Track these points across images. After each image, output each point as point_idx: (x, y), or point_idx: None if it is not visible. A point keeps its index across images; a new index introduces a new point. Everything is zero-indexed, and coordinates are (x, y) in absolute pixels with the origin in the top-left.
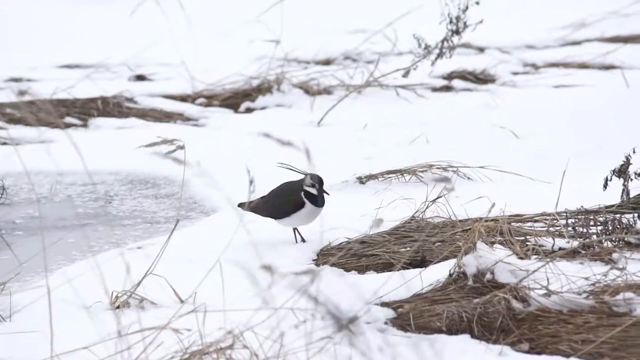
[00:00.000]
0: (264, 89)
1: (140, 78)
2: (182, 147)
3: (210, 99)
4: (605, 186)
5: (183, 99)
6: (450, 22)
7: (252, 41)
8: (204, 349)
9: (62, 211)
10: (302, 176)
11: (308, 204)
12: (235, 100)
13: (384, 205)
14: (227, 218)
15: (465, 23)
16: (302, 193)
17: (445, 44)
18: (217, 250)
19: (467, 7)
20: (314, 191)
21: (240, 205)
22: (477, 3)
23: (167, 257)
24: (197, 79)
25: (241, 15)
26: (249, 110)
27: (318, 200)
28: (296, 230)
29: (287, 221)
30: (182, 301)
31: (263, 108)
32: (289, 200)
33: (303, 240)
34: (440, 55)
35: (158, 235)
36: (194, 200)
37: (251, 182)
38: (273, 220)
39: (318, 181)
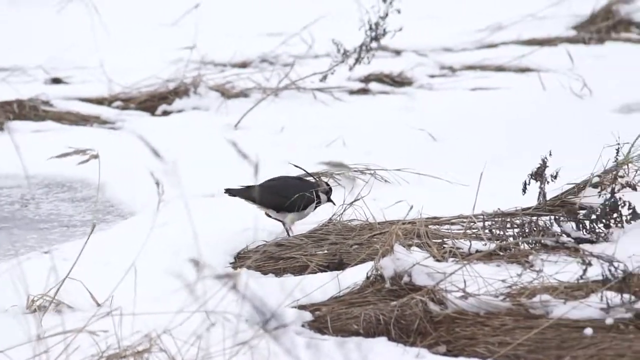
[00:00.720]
0: (180, 91)
1: (57, 81)
2: (96, 157)
3: (127, 102)
4: (524, 190)
5: (99, 102)
6: (370, 28)
7: (168, 43)
8: (121, 352)
9: None
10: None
11: (312, 205)
12: (152, 103)
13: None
14: (144, 221)
15: (384, 30)
16: (314, 193)
17: (364, 49)
18: (134, 254)
19: (386, 15)
20: (323, 198)
21: (228, 191)
22: (399, 12)
23: (83, 260)
24: (114, 81)
25: (158, 18)
26: (165, 113)
27: (318, 206)
28: (285, 224)
29: (291, 216)
30: (98, 304)
31: (180, 111)
32: (310, 200)
33: (288, 234)
34: (358, 60)
35: (75, 239)
36: (111, 203)
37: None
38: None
39: (331, 190)
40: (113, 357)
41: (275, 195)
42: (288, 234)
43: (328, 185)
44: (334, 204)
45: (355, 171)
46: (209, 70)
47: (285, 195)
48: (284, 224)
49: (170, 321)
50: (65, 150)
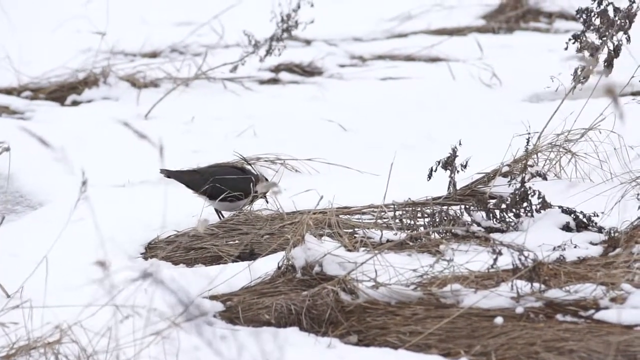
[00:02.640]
0: (90, 82)
1: None
2: (7, 149)
3: (36, 92)
4: (429, 176)
5: (8, 92)
6: (282, 20)
7: (78, 32)
8: (31, 344)
9: None
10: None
11: (249, 197)
12: (61, 93)
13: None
14: (54, 212)
15: (296, 21)
16: (251, 185)
17: (275, 40)
18: (44, 245)
19: (299, 7)
20: (258, 192)
21: (164, 171)
22: (312, 5)
23: None
24: (22, 72)
25: (66, 7)
26: (75, 103)
27: (252, 200)
28: (219, 212)
29: (221, 204)
30: (8, 296)
31: (89, 101)
32: (243, 190)
33: (220, 220)
34: (269, 52)
35: None
36: (20, 194)
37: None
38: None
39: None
40: (23, 348)
41: (210, 183)
42: (219, 218)
43: (267, 181)
44: (267, 202)
45: (265, 161)
46: (119, 60)
47: (220, 184)
48: (216, 210)
49: (81, 313)
50: None
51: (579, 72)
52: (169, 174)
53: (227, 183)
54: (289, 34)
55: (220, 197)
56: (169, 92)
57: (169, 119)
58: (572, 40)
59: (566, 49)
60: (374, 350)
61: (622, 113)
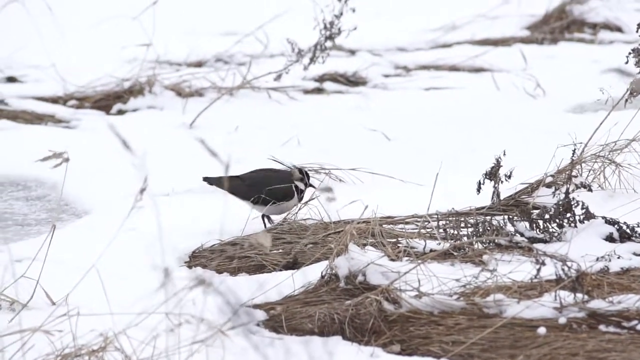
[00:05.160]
0: (135, 91)
1: (11, 80)
2: (67, 160)
3: (82, 101)
4: (478, 190)
5: (54, 100)
6: (325, 27)
7: (124, 44)
8: (76, 351)
9: None
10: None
11: (295, 197)
12: (106, 102)
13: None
14: (99, 220)
15: (339, 29)
16: (293, 185)
17: (318, 48)
18: (90, 253)
19: (341, 13)
20: (301, 185)
21: (207, 179)
22: (354, 10)
23: (39, 259)
24: (68, 80)
25: (112, 16)
26: (120, 112)
27: (302, 195)
28: (266, 218)
29: (268, 208)
30: (53, 303)
31: (135, 110)
32: (280, 190)
33: (266, 228)
34: (313, 60)
35: (29, 238)
36: (66, 202)
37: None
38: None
39: (306, 175)
40: (68, 356)
41: (250, 188)
42: (265, 227)
43: (301, 171)
44: (315, 187)
45: (310, 170)
46: (164, 69)
47: (258, 189)
48: (262, 216)
49: (129, 322)
50: (38, 151)
51: (631, 86)
52: (210, 181)
53: (260, 185)
54: (333, 42)
55: (255, 200)
56: (213, 101)
57: (213, 128)
58: (632, 54)
59: (626, 62)
60: None
61: None
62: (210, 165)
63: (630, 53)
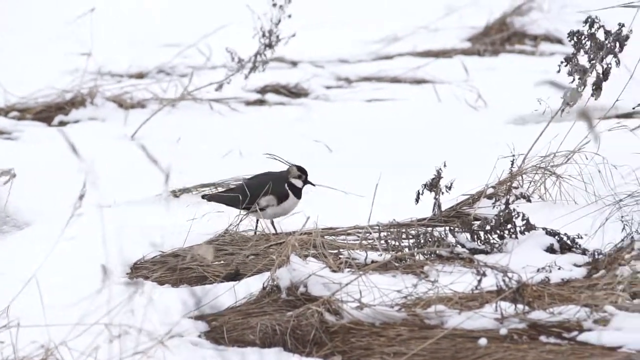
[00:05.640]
0: (77, 102)
1: None
2: (14, 176)
3: (23, 112)
4: (417, 200)
5: None
6: (263, 35)
7: (65, 53)
8: None
9: None
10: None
11: (291, 197)
12: (48, 113)
13: (197, 218)
14: (40, 231)
15: (278, 36)
16: (286, 185)
17: (259, 57)
18: (30, 263)
19: (279, 21)
20: (299, 183)
21: (205, 197)
22: (289, 16)
23: None
24: (9, 91)
25: (53, 27)
26: (62, 123)
27: (299, 193)
28: (273, 222)
29: (265, 213)
30: None
31: (76, 121)
32: (274, 192)
33: (276, 232)
34: (253, 68)
35: None
36: (7, 214)
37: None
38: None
39: (304, 172)
40: None
41: (244, 198)
42: (275, 231)
43: (299, 169)
44: (313, 184)
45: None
46: (106, 80)
47: (254, 195)
48: (271, 222)
49: (70, 333)
50: None
51: (567, 95)
52: (209, 198)
53: (257, 191)
54: (272, 50)
55: (245, 206)
56: (155, 112)
57: (155, 140)
58: (564, 63)
59: (558, 71)
60: None
61: (597, 137)
62: (152, 176)
63: (562, 62)
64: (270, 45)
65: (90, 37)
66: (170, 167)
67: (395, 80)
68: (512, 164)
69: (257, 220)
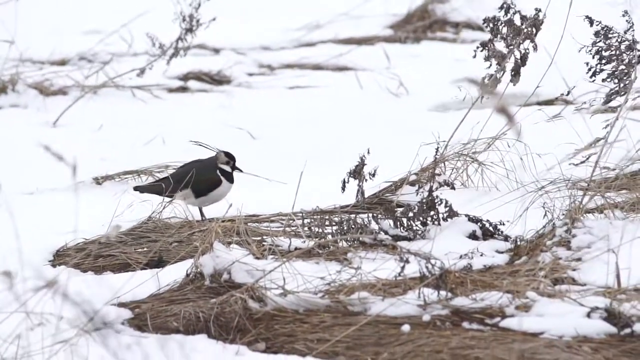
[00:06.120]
0: None
1: None
2: None
3: None
4: (343, 188)
5: None
6: (184, 20)
7: None
8: None
9: None
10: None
11: (225, 182)
12: None
13: (120, 207)
14: None
15: (198, 21)
16: (218, 171)
17: (180, 43)
18: None
19: (199, 5)
20: (228, 168)
21: (137, 188)
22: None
23: None
24: None
25: None
26: None
27: (231, 177)
28: (201, 210)
29: (201, 200)
30: None
31: None
32: (206, 179)
33: (203, 219)
34: (175, 54)
35: None
36: None
37: None
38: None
39: (232, 158)
40: None
41: (176, 186)
42: (202, 218)
43: (227, 154)
44: (241, 170)
45: (174, 169)
46: (27, 67)
47: (186, 184)
48: (199, 209)
49: None
50: None
51: (486, 81)
52: (142, 189)
53: (192, 178)
54: (193, 35)
55: (171, 191)
56: (77, 99)
57: (77, 127)
58: (480, 49)
59: (474, 57)
60: (281, 358)
61: (519, 130)
62: (77, 175)
63: (477, 47)
64: (191, 30)
65: (14, 24)
66: (75, 160)
67: (317, 67)
68: (436, 151)
69: (200, 208)
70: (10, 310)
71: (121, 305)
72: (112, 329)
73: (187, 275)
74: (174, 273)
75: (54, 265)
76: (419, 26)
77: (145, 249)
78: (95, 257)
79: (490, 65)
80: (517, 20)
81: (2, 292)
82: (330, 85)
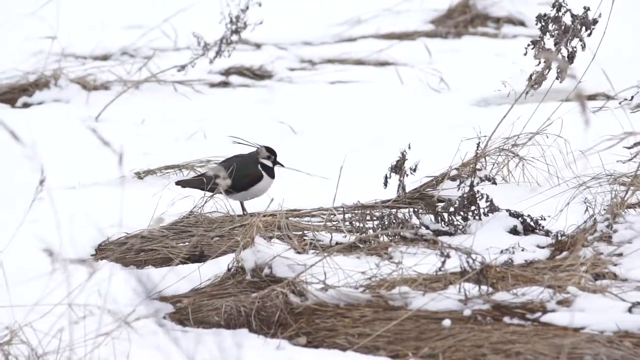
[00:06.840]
0: (41, 84)
1: None
2: None
3: None
4: (385, 184)
5: None
6: (231, 21)
7: (29, 35)
8: None
9: None
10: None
11: (266, 177)
12: (12, 95)
13: (162, 201)
14: (2, 217)
15: (245, 23)
16: (259, 166)
17: (224, 42)
18: None
19: (247, 7)
20: (269, 163)
21: (179, 182)
22: (260, 5)
23: None
24: None
25: (17, 9)
26: (26, 105)
27: (272, 172)
28: (242, 204)
29: (242, 195)
30: None
31: (40, 103)
32: (247, 174)
33: (245, 214)
34: (218, 54)
35: None
36: None
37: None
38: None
39: (273, 153)
40: None
41: (217, 179)
42: (243, 213)
43: (268, 149)
44: (282, 165)
45: (215, 164)
46: (70, 62)
47: (224, 177)
48: (241, 203)
49: (32, 313)
50: None
51: (532, 78)
52: (183, 184)
53: (235, 175)
54: (239, 36)
55: (210, 187)
56: (119, 94)
57: (119, 121)
58: (531, 46)
59: (525, 54)
60: (322, 352)
61: (589, 119)
62: (114, 158)
63: (529, 45)
64: (237, 31)
65: (56, 20)
66: (122, 148)
67: (358, 62)
68: (477, 146)
69: (242, 203)
70: (53, 303)
71: (162, 299)
72: (154, 322)
73: (229, 269)
74: (215, 267)
75: (96, 260)
76: (460, 21)
77: (187, 244)
78: (137, 251)
79: (539, 62)
80: (567, 19)
81: (45, 285)
82: (371, 80)
